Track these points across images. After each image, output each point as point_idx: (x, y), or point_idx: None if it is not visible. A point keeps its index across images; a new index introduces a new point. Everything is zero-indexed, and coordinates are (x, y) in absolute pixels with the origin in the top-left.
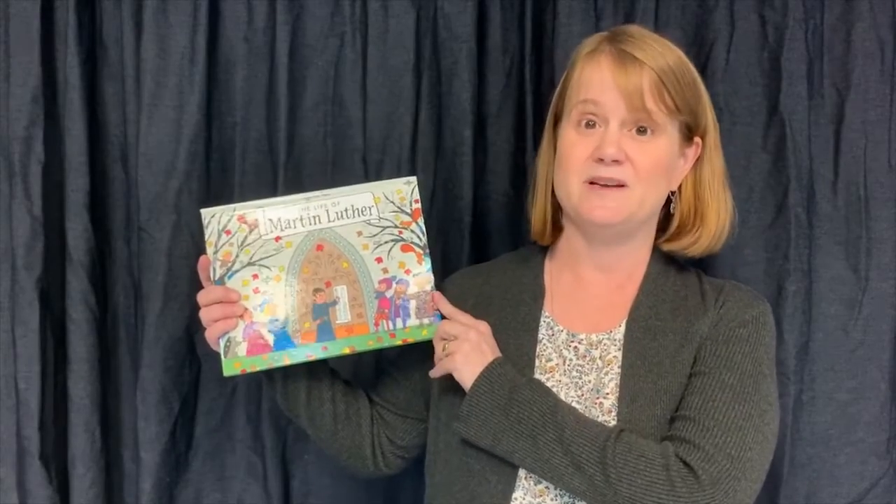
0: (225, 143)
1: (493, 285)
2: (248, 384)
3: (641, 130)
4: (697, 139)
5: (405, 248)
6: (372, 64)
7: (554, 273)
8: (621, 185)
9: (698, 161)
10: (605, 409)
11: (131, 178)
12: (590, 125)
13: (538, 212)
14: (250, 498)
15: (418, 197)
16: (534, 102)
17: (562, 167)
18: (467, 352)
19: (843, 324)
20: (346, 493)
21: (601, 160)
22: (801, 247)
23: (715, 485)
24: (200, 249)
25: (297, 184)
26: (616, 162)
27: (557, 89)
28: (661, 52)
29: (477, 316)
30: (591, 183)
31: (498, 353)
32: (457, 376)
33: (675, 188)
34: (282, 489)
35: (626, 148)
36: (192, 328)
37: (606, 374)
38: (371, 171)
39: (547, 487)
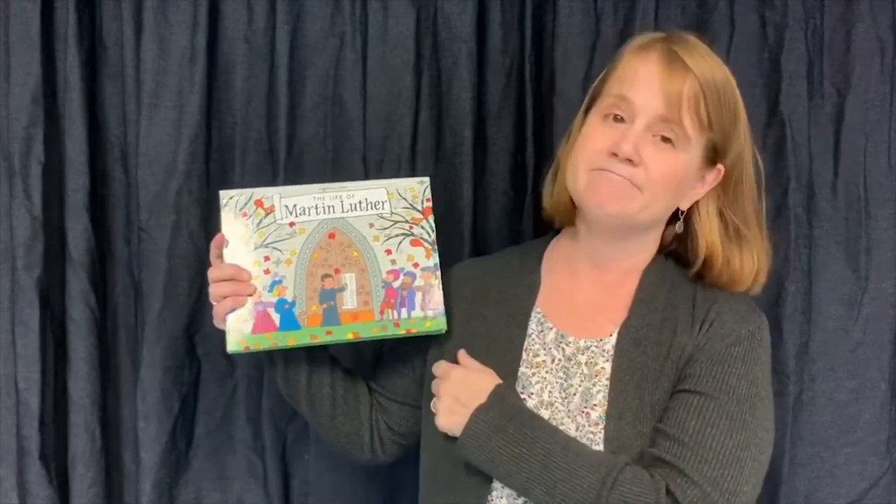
0: (225, 143)
1: (492, 276)
2: (248, 384)
3: (666, 139)
4: (720, 166)
5: (414, 243)
6: (372, 64)
7: (550, 268)
8: (634, 185)
9: (724, 191)
10: (591, 421)
11: (131, 178)
12: (617, 119)
13: (556, 191)
14: (250, 498)
15: (430, 196)
16: (534, 102)
17: (575, 152)
18: (445, 407)
19: (843, 324)
20: (345, 494)
21: (615, 155)
22: (801, 247)
23: None
24: (200, 249)
25: (297, 184)
26: (630, 161)
27: (601, 76)
28: (710, 65)
29: (475, 306)
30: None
31: (478, 399)
32: (448, 432)
33: (684, 208)
34: (282, 489)
35: (643, 151)
36: (192, 328)
37: (594, 384)
38: (371, 171)
39: None
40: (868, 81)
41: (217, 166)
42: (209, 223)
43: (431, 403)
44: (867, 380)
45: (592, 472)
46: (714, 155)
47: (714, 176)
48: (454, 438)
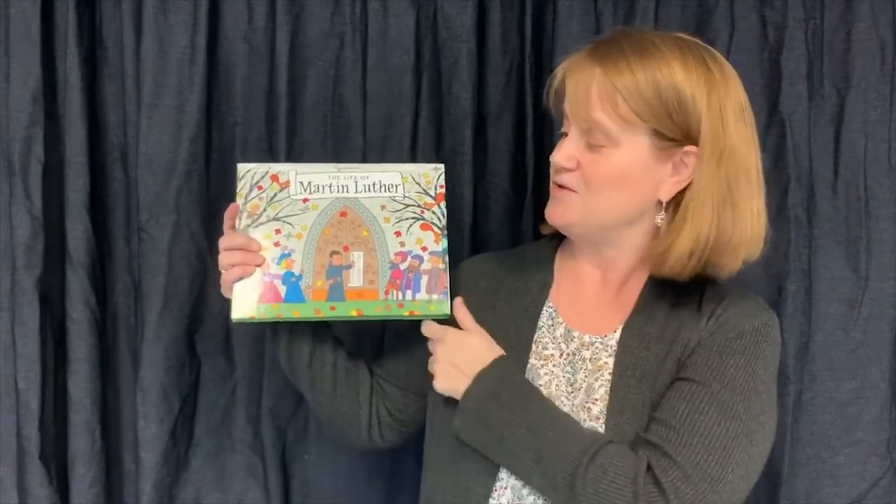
0: (225, 143)
1: (505, 270)
2: (248, 384)
3: (593, 139)
4: (691, 147)
5: (424, 227)
6: (372, 64)
7: (562, 266)
8: (573, 191)
9: (698, 171)
10: (593, 415)
11: (131, 178)
12: (564, 135)
13: None
14: (250, 498)
15: (443, 183)
16: (534, 102)
17: None
18: (442, 371)
19: (843, 324)
20: (345, 494)
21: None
22: (801, 247)
23: None
24: (200, 249)
25: None
26: (566, 169)
27: None
28: (629, 58)
29: (486, 298)
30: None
31: (476, 365)
32: (446, 394)
33: (665, 198)
34: (282, 489)
35: (579, 156)
36: (192, 328)
37: (597, 379)
38: None
39: None
40: (868, 81)
41: (217, 166)
42: (209, 223)
43: (429, 366)
44: (867, 380)
45: (576, 443)
46: (674, 140)
47: (693, 159)
48: (460, 431)
